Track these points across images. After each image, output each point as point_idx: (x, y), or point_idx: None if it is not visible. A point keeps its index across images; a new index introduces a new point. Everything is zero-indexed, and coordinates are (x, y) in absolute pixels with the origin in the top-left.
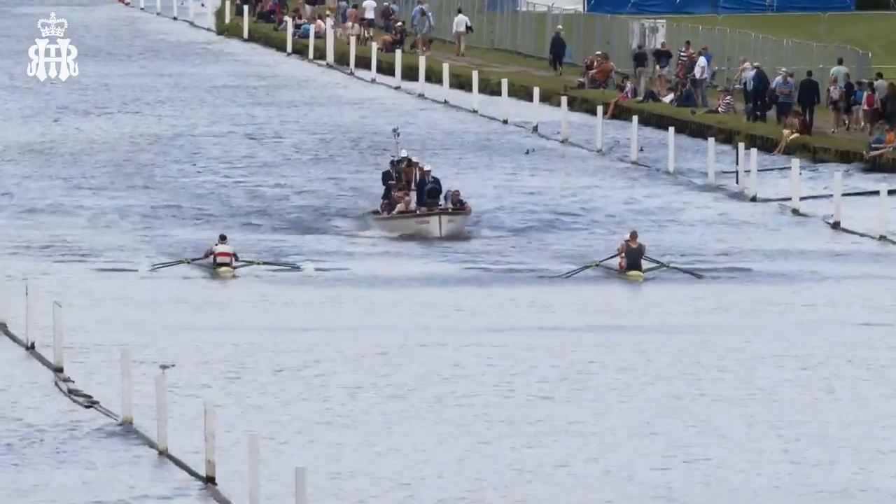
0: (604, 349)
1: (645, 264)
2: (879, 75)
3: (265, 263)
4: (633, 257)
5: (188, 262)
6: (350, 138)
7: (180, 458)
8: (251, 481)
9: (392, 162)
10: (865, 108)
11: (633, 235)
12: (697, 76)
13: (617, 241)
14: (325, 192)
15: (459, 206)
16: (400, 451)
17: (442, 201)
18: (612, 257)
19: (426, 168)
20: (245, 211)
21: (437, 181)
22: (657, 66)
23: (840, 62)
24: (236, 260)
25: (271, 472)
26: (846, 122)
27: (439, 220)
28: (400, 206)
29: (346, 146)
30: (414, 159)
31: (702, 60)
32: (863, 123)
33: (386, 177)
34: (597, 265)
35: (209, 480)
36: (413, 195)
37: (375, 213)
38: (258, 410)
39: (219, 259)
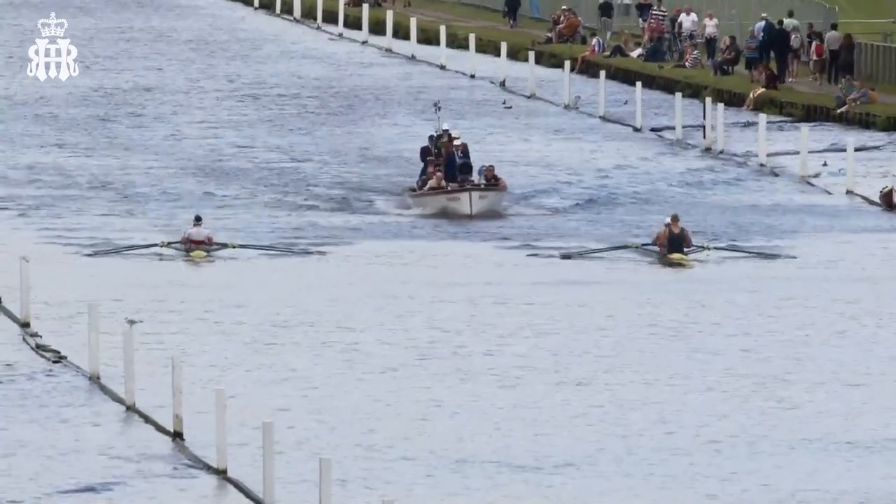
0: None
1: (687, 248)
2: (834, 26)
3: (241, 246)
4: (675, 242)
5: (164, 245)
6: (323, 95)
7: (148, 413)
8: (218, 436)
9: (431, 137)
10: (814, 57)
11: (675, 219)
12: (686, 32)
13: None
14: (328, 159)
15: (493, 182)
16: (368, 405)
17: (475, 177)
18: (652, 244)
19: (457, 142)
20: (251, 179)
21: (467, 155)
22: (639, 20)
23: (790, 14)
24: (210, 243)
25: (238, 427)
26: (796, 71)
27: (470, 197)
28: (432, 182)
29: (321, 104)
30: (453, 134)
31: (693, 16)
32: (814, 74)
33: (424, 152)
34: (638, 247)
35: (177, 435)
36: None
37: (413, 190)
38: (225, 365)
39: (192, 242)
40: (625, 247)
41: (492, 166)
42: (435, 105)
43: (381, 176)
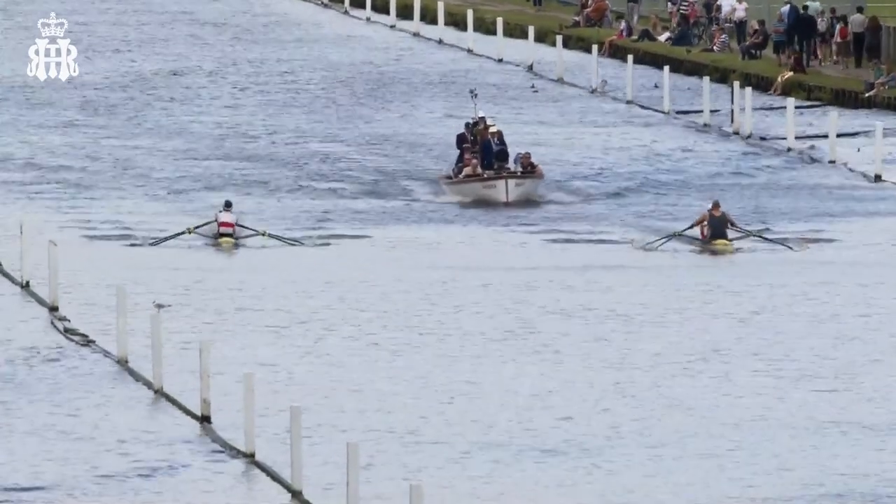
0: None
1: (731, 233)
2: (859, 9)
3: (271, 236)
4: (716, 226)
5: (191, 232)
6: (351, 80)
7: (176, 396)
8: (246, 419)
9: (467, 124)
10: (838, 40)
11: (716, 205)
12: (724, 16)
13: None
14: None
15: (529, 170)
16: (396, 388)
17: (511, 164)
18: (691, 227)
19: (493, 129)
20: (276, 163)
21: (503, 142)
22: (668, 3)
23: None
24: (240, 228)
25: (266, 411)
26: (822, 55)
27: (506, 184)
28: (468, 170)
29: (349, 88)
30: (489, 121)
31: (734, 1)
32: (836, 57)
33: (460, 139)
34: (680, 234)
35: (204, 419)
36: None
37: (448, 177)
38: (253, 349)
39: (221, 229)
40: (669, 236)
41: (528, 153)
42: (471, 92)
43: (410, 161)
